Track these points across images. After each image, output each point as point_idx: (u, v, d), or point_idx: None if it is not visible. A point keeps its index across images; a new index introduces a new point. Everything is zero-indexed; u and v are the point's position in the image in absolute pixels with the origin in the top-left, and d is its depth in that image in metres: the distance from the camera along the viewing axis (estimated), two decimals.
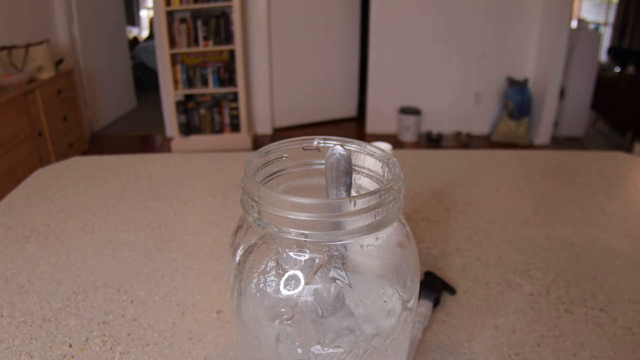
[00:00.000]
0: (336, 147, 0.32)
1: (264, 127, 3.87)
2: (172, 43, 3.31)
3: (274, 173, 0.35)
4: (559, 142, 3.58)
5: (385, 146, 0.60)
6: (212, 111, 3.54)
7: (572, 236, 0.69)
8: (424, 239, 0.68)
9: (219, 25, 3.31)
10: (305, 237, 0.28)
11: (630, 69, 3.80)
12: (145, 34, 6.81)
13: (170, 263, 0.64)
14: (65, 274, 0.62)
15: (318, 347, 0.31)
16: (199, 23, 3.29)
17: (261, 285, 0.31)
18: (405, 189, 0.82)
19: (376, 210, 0.28)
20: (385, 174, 0.34)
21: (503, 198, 0.81)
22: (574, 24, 3.48)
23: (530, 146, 3.55)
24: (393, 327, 0.32)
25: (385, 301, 0.32)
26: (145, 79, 5.41)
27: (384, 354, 0.33)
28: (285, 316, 0.31)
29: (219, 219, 0.75)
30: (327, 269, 0.30)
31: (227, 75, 3.44)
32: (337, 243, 0.30)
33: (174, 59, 3.37)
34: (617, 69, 4.07)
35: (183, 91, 3.43)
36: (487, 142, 3.62)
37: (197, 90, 3.45)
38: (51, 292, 0.58)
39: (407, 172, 0.91)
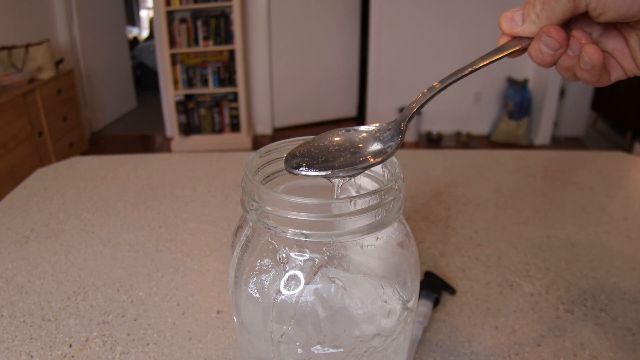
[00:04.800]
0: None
1: (264, 127, 3.87)
2: (172, 43, 3.31)
3: (274, 173, 0.35)
4: (559, 142, 3.58)
5: None
6: (212, 111, 3.54)
7: (572, 236, 0.69)
8: (424, 239, 0.68)
9: (219, 25, 3.31)
10: (306, 237, 0.28)
11: None
12: (145, 34, 6.81)
13: (170, 263, 0.64)
14: (65, 274, 0.62)
15: (318, 347, 0.31)
16: (199, 23, 3.29)
17: (261, 285, 0.31)
18: (405, 189, 0.82)
19: (376, 210, 0.28)
20: (385, 174, 0.34)
21: (503, 198, 0.81)
22: None
23: (530, 146, 3.55)
24: (393, 327, 0.32)
25: (385, 301, 0.32)
26: (145, 79, 5.41)
27: (384, 354, 0.33)
28: (285, 326, 0.31)
29: (219, 219, 0.75)
30: (327, 269, 0.30)
31: (227, 75, 3.44)
32: (337, 243, 0.30)
33: (174, 59, 3.37)
34: None
35: (183, 91, 3.43)
36: (487, 142, 3.62)
37: (197, 90, 3.45)
38: (51, 292, 0.58)
39: (407, 172, 0.91)
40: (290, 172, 0.31)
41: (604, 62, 0.29)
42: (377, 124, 0.33)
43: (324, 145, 0.32)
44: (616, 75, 0.30)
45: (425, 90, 0.32)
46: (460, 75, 0.31)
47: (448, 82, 0.31)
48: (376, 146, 0.32)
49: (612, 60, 0.30)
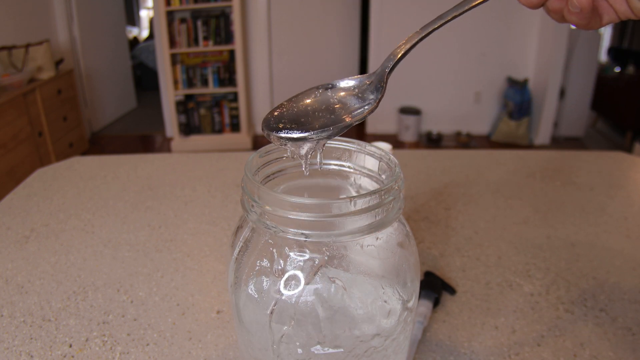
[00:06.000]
0: None
1: None
2: (172, 43, 3.30)
3: (274, 173, 0.35)
4: (559, 142, 3.58)
5: (385, 146, 0.60)
6: (212, 111, 3.54)
7: (572, 236, 0.69)
8: (424, 239, 0.68)
9: (219, 25, 3.31)
10: (306, 237, 0.28)
11: (630, 69, 3.80)
12: (145, 34, 6.80)
13: (170, 263, 0.64)
14: (65, 274, 0.62)
15: (318, 347, 0.31)
16: (199, 23, 3.29)
17: (261, 285, 0.31)
18: (405, 189, 0.82)
19: (376, 210, 0.28)
20: (384, 176, 0.34)
21: (503, 198, 0.81)
22: None
23: (530, 146, 3.55)
24: (393, 327, 0.32)
25: (385, 301, 0.32)
26: (145, 79, 5.41)
27: (384, 354, 0.33)
28: (285, 328, 0.30)
29: (219, 219, 0.75)
30: (327, 269, 0.30)
31: (227, 75, 3.44)
32: (337, 243, 0.30)
33: (174, 59, 3.37)
34: (617, 69, 4.07)
35: (183, 91, 3.43)
36: (487, 142, 3.62)
37: (197, 90, 3.45)
38: (51, 292, 0.58)
39: (407, 172, 0.91)
40: (269, 136, 0.30)
41: (595, 5, 0.28)
42: (357, 78, 0.32)
43: (302, 107, 0.31)
44: (608, 18, 0.29)
45: (405, 40, 0.30)
46: (443, 20, 0.30)
47: (429, 30, 0.30)
48: (356, 104, 0.31)
49: (604, 2, 0.29)
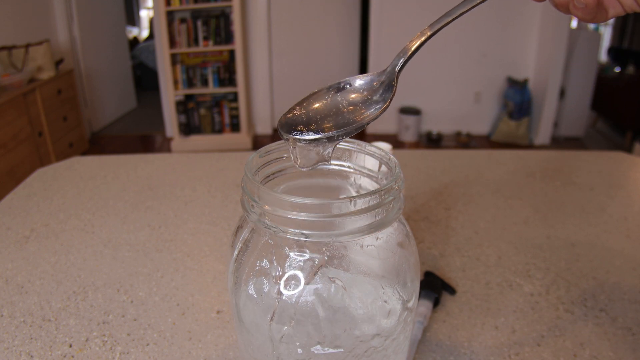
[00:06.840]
0: None
1: (264, 127, 3.87)
2: (172, 43, 3.30)
3: (274, 173, 0.35)
4: (559, 142, 3.58)
5: (385, 146, 0.60)
6: (212, 111, 3.54)
7: (572, 236, 0.69)
8: (424, 239, 0.68)
9: (219, 25, 3.31)
10: (306, 237, 0.28)
11: (630, 69, 3.80)
12: (145, 34, 6.80)
13: (170, 263, 0.64)
14: (65, 274, 0.62)
15: (318, 347, 0.31)
16: (199, 23, 3.29)
17: (261, 285, 0.31)
18: (405, 189, 0.82)
19: (376, 210, 0.28)
20: (384, 179, 0.34)
21: (503, 198, 0.81)
22: (574, 24, 3.49)
23: (530, 146, 3.55)
24: (393, 327, 0.32)
25: (385, 301, 0.32)
26: (145, 79, 5.41)
27: (384, 354, 0.33)
28: (285, 328, 0.30)
29: (219, 219, 0.75)
30: (327, 269, 0.30)
31: (227, 75, 3.44)
32: (337, 243, 0.30)
33: (174, 59, 3.37)
34: (617, 69, 4.07)
35: (183, 91, 3.43)
36: (487, 142, 3.62)
37: (197, 90, 3.45)
38: (51, 292, 0.58)
39: (407, 172, 0.91)
40: (286, 139, 0.30)
41: None
42: (368, 77, 0.32)
43: (315, 108, 0.31)
44: (614, 11, 0.29)
45: (414, 37, 0.31)
46: (451, 17, 0.30)
47: (438, 27, 0.31)
48: (368, 103, 0.31)
49: None
